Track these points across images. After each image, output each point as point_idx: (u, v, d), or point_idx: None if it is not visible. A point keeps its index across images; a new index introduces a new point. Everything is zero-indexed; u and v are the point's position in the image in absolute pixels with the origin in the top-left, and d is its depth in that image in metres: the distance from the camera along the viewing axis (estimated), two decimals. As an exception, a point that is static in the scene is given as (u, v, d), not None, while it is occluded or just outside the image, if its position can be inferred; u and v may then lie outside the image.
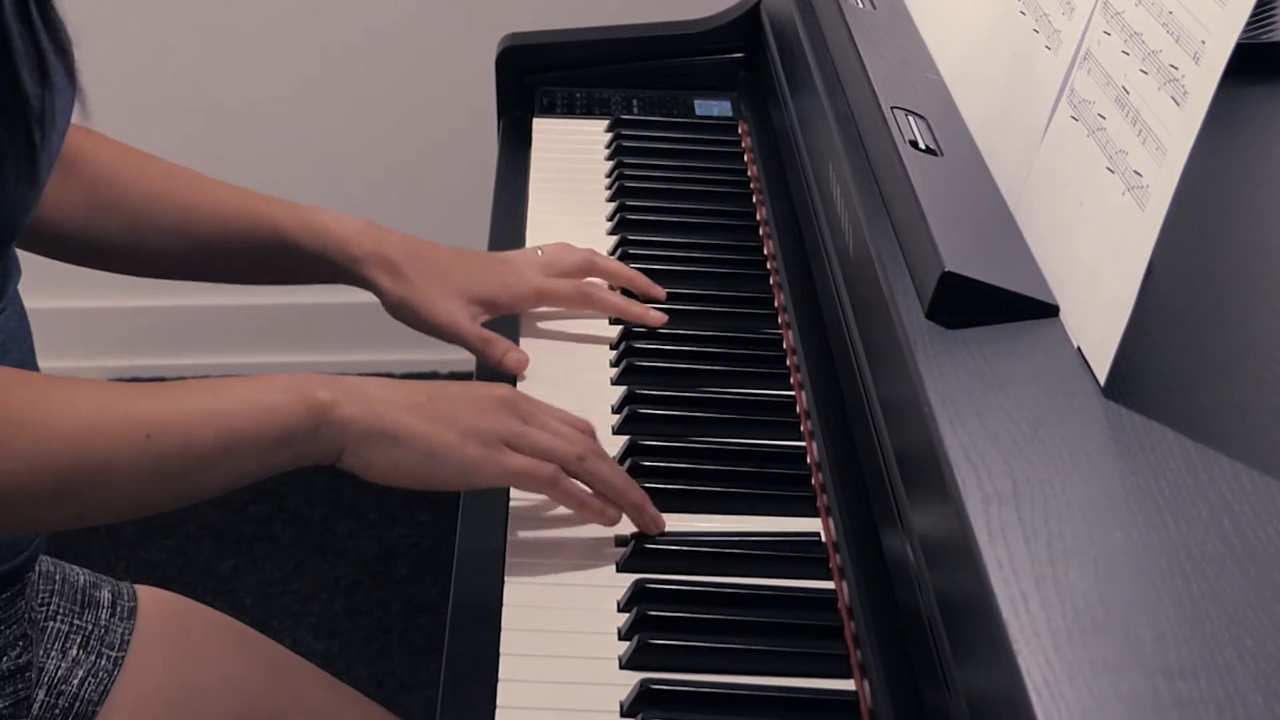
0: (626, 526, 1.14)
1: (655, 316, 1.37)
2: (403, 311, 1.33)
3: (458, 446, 1.06)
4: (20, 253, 1.19)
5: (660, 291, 1.40)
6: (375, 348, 2.72)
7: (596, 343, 1.37)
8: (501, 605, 1.08)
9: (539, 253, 1.40)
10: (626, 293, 1.40)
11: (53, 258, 1.33)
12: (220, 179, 1.36)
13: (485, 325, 1.34)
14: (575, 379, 1.32)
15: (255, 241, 1.32)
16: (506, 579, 1.11)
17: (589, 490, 1.12)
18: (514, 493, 1.17)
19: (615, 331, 1.37)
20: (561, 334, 1.38)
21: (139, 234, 1.32)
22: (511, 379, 1.31)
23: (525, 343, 1.36)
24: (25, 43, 1.03)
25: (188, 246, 1.33)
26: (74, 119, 1.14)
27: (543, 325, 1.38)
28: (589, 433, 1.15)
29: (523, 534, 1.15)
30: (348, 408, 1.04)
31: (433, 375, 2.75)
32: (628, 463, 1.20)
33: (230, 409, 1.02)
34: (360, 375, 1.09)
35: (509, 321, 1.38)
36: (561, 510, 1.16)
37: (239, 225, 1.32)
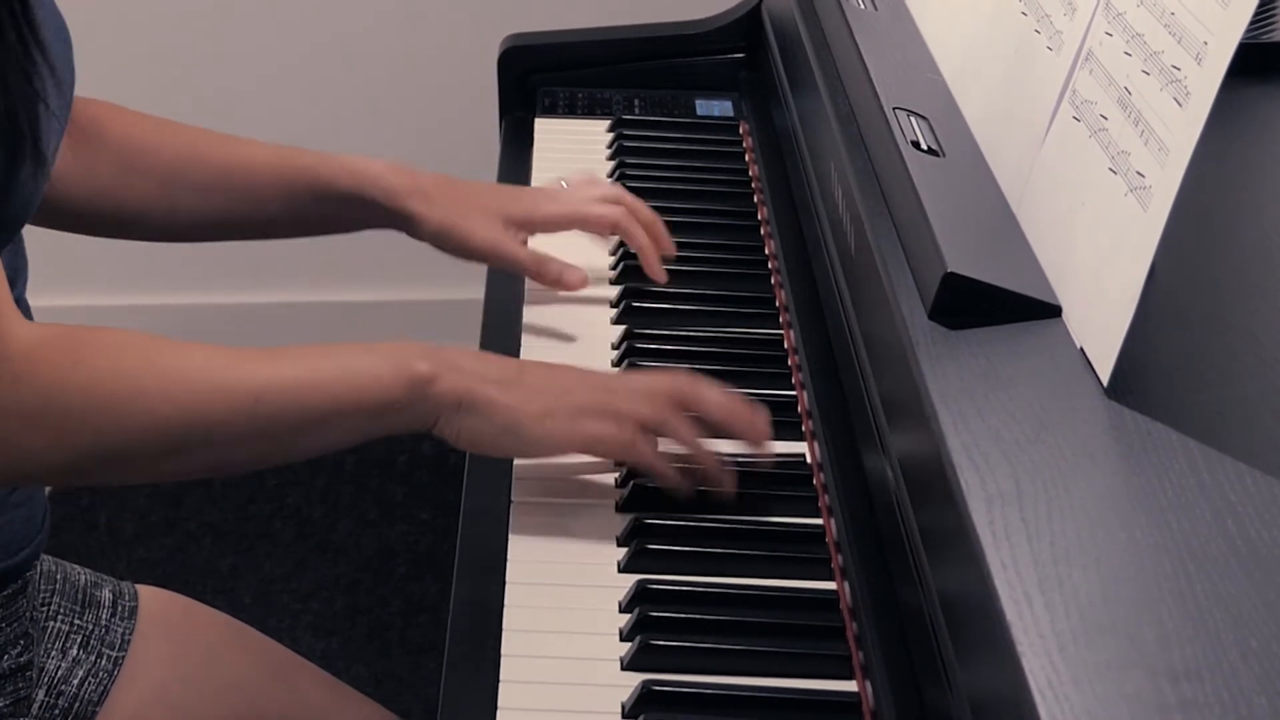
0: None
1: (661, 275, 1.39)
2: (445, 239, 1.34)
3: (536, 421, 1.09)
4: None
5: (671, 246, 1.42)
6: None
7: (597, 342, 1.36)
8: (503, 605, 1.08)
9: (564, 184, 1.42)
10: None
11: (83, 232, 1.33)
12: None
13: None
14: (576, 379, 1.32)
15: (292, 189, 1.33)
16: (508, 579, 1.10)
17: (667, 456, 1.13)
18: (516, 491, 1.17)
19: (617, 332, 1.37)
20: (561, 332, 1.38)
21: (172, 195, 1.32)
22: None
23: (527, 339, 1.36)
24: (15, 40, 1.04)
25: (223, 202, 1.34)
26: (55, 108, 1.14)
27: (542, 323, 1.38)
28: (684, 385, 1.14)
29: (524, 534, 1.15)
30: (444, 381, 1.08)
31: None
32: (625, 465, 1.19)
33: (334, 377, 1.07)
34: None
35: (509, 322, 1.38)
36: (563, 511, 1.16)
37: (274, 174, 1.33)
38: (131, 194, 1.31)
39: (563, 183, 1.42)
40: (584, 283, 1.35)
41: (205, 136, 1.35)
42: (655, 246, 1.40)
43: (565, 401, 1.11)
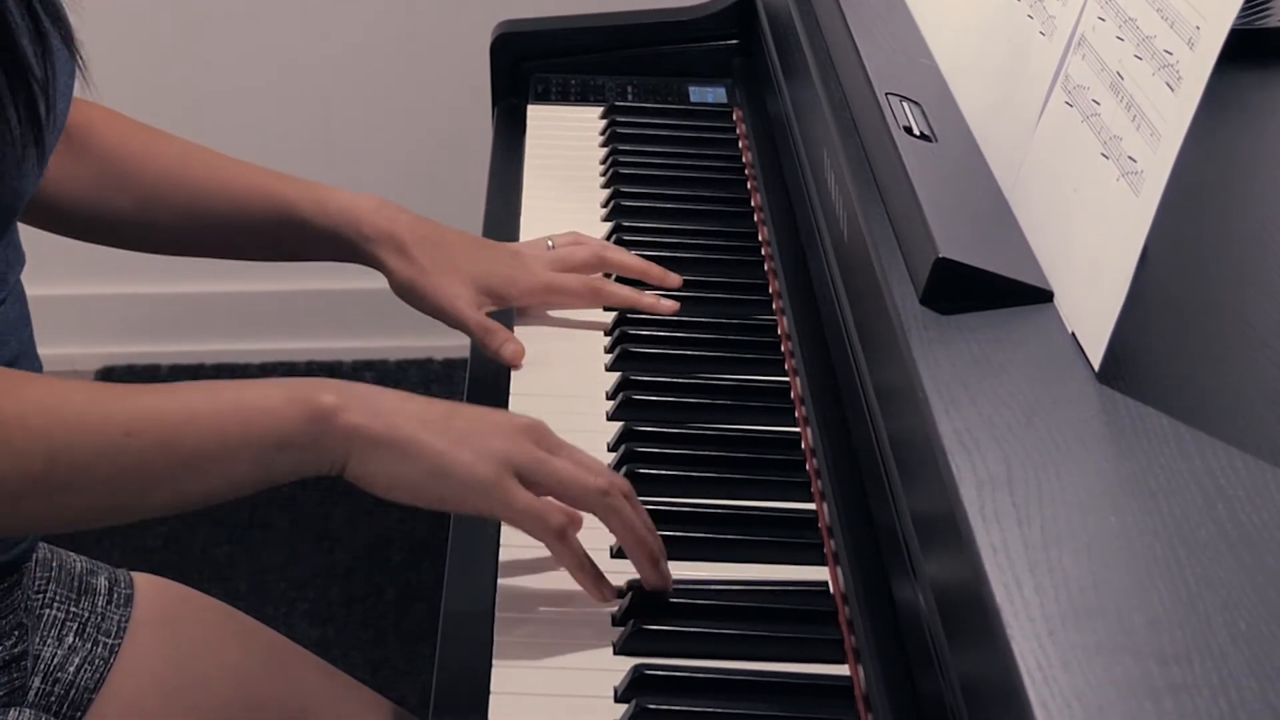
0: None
1: (667, 304, 1.37)
2: (408, 293, 1.33)
3: (467, 466, 0.99)
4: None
5: (676, 279, 1.40)
6: (370, 335, 2.72)
7: (591, 329, 1.37)
8: (495, 590, 1.08)
9: (550, 245, 1.39)
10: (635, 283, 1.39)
11: (62, 234, 1.33)
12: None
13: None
14: (569, 365, 1.32)
15: (268, 220, 1.32)
16: (500, 564, 1.10)
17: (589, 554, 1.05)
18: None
19: (610, 318, 1.37)
20: (556, 320, 1.38)
21: (150, 212, 1.32)
22: (508, 371, 1.31)
23: (519, 329, 1.36)
24: (21, 12, 1.04)
25: (199, 225, 1.33)
26: (76, 91, 1.14)
27: (535, 311, 1.38)
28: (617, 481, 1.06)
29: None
30: (354, 415, 0.98)
31: (427, 361, 2.75)
32: (622, 449, 1.20)
33: (220, 410, 0.97)
34: (376, 385, 1.02)
35: (503, 309, 1.38)
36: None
37: (252, 204, 1.32)
38: (110, 206, 1.31)
39: (549, 242, 1.39)
40: (521, 356, 1.31)
41: (190, 157, 1.33)
42: (657, 285, 1.39)
43: (499, 449, 1.01)
